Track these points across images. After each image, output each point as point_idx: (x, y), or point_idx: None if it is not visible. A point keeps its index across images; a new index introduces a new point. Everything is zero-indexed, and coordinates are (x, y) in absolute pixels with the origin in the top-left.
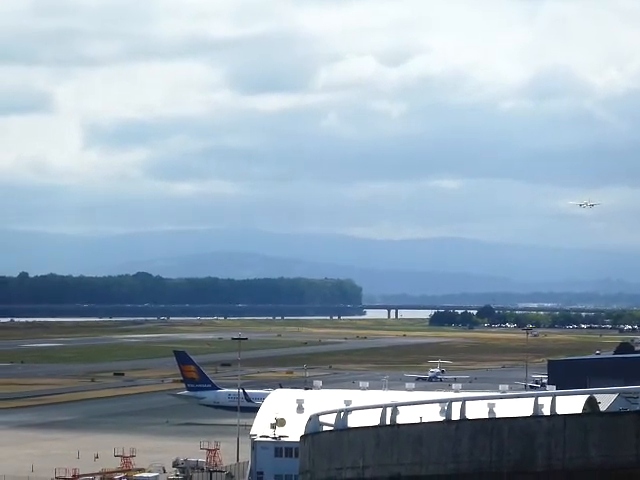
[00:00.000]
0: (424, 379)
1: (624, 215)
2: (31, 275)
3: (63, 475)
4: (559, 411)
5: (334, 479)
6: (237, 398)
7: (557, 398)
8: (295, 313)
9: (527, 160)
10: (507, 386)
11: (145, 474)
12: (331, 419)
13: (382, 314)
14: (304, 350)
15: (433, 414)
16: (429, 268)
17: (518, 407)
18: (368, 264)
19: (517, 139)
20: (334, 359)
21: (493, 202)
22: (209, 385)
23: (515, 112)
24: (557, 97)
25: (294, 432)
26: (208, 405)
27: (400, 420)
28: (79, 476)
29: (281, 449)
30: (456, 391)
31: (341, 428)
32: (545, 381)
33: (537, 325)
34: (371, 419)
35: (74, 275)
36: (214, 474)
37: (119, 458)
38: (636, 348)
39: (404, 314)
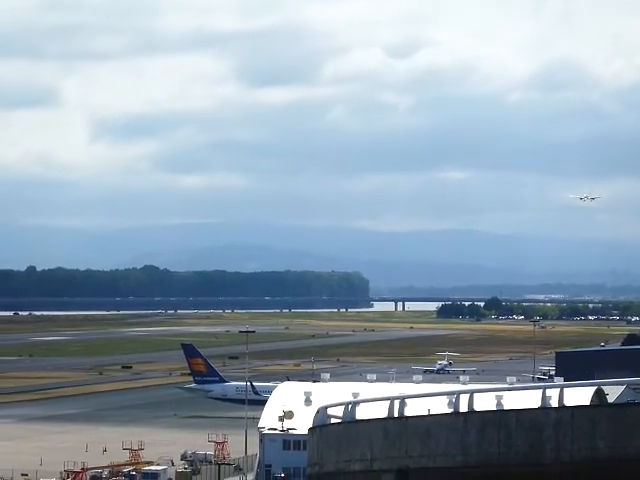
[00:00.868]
0: (432, 371)
1: (632, 207)
2: (38, 269)
3: (71, 468)
4: (567, 403)
5: (342, 471)
6: (245, 391)
7: (565, 390)
8: (302, 306)
9: (534, 152)
10: (515, 378)
11: (153, 467)
12: (339, 412)
13: (389, 306)
14: (312, 343)
15: (441, 406)
16: (436, 260)
17: (526, 399)
18: (375, 256)
19: (524, 131)
20: (342, 352)
21: (500, 194)
22: (217, 378)
23: (522, 104)
24: (564, 89)
25: (302, 425)
26: (216, 398)
27: (408, 412)
28: (87, 469)
29: (289, 442)
30: (464, 383)
31: (349, 421)
32: (553, 373)
33: (544, 317)
34: (379, 411)
35: (81, 269)
36: (222, 467)
37: (127, 451)
38: None
39: (411, 306)
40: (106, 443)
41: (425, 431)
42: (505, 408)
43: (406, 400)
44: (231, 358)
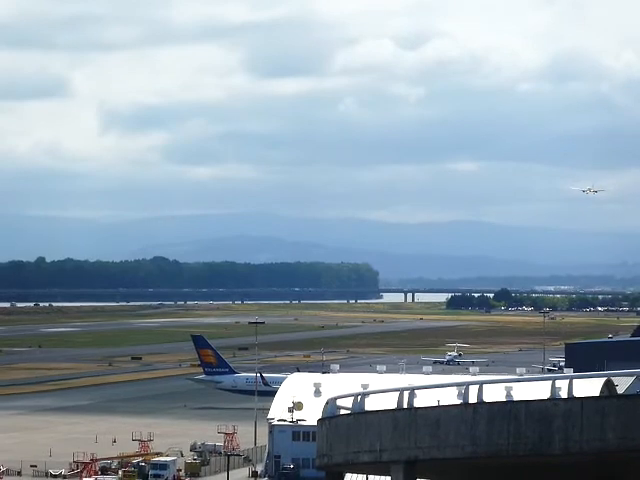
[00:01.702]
0: (441, 362)
1: None
2: (48, 260)
3: (81, 459)
4: (576, 394)
5: (351, 462)
6: (255, 382)
7: (574, 381)
8: (312, 297)
9: (545, 143)
10: (524, 369)
11: (163, 458)
12: (348, 403)
13: (399, 298)
14: (321, 334)
15: (450, 397)
16: (446, 251)
17: (535, 390)
18: (385, 248)
19: (535, 122)
20: (351, 343)
21: (510, 185)
22: (227, 369)
23: (533, 95)
24: (575, 80)
25: (311, 416)
26: (226, 389)
27: (417, 403)
28: (97, 460)
29: (298, 433)
30: (473, 374)
31: (358, 412)
32: (562, 364)
33: (554, 308)
34: (388, 402)
35: (91, 260)
36: (232, 458)
37: (137, 442)
38: None
39: (421, 298)
40: (116, 434)
41: (434, 422)
42: (515, 399)
43: (415, 391)
44: (241, 349)
